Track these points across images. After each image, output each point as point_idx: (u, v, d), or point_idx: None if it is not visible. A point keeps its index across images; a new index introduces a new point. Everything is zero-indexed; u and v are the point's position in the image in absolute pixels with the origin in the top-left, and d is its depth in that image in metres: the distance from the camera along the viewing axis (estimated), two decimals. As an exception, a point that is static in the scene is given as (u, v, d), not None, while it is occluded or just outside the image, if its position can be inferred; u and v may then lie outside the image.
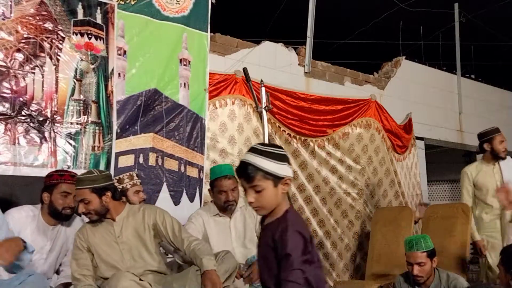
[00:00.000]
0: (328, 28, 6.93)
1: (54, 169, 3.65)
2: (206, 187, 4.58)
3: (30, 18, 3.76)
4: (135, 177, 3.63)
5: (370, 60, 7.05)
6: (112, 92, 4.09)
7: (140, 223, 3.07)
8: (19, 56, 3.69)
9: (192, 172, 4.50)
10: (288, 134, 5.30)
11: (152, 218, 3.10)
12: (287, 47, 5.66)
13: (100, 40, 4.07)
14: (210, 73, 4.72)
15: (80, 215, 3.19)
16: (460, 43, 7.60)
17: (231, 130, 4.87)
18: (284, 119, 5.26)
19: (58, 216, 3.15)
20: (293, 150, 5.33)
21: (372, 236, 5.30)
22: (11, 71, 3.65)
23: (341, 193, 5.66)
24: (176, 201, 4.32)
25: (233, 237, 3.66)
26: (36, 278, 2.68)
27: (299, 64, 5.69)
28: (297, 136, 5.37)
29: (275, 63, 5.45)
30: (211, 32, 4.81)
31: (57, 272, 3.31)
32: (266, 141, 3.03)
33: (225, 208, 3.62)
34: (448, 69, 7.60)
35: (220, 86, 4.83)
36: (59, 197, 3.11)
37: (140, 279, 2.84)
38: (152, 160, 4.22)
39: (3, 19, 3.64)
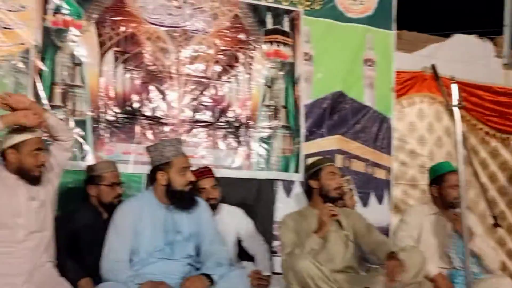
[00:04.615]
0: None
1: (248, 171, 3.96)
2: (394, 189, 4.50)
3: (226, 31, 4.08)
4: (351, 182, 3.76)
5: None
6: (299, 96, 4.24)
7: None
8: (217, 68, 4.04)
9: (380, 174, 4.44)
10: (485, 132, 4.90)
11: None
12: (482, 38, 5.24)
13: (288, 46, 4.26)
14: (396, 72, 4.61)
15: None
16: None
17: (420, 130, 4.69)
18: (481, 115, 4.88)
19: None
20: (491, 149, 4.91)
21: None
22: (211, 81, 4.01)
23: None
24: (364, 202, 4.31)
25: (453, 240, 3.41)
26: (237, 274, 2.76)
27: (496, 56, 5.22)
28: (497, 134, 4.94)
29: (468, 57, 5.07)
30: (397, 29, 4.69)
31: None
32: (459, 141, 2.84)
33: (452, 204, 3.37)
34: None
35: (407, 84, 4.68)
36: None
37: (321, 265, 2.79)
38: (339, 162, 4.26)
39: (204, 34, 4.02)
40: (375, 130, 4.48)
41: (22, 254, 2.56)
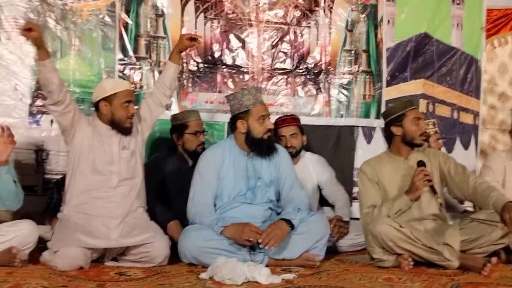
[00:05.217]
0: None
1: (327, 118, 3.97)
2: (482, 134, 4.34)
3: (306, -27, 4.00)
4: (436, 125, 3.68)
5: None
6: (381, 40, 4.11)
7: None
8: (297, 13, 3.99)
9: (466, 118, 4.29)
10: None
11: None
12: None
13: (370, -12, 4.11)
14: (487, 10, 4.35)
15: None
16: None
17: (512, 71, 4.45)
18: None
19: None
20: None
21: None
22: (290, 28, 3.98)
23: None
24: (449, 148, 4.19)
25: None
26: (316, 218, 2.85)
27: None
28: None
29: None
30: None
31: None
32: None
33: None
34: None
35: (499, 23, 4.44)
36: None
37: (401, 226, 2.69)
38: (422, 107, 4.15)
39: (283, -22, 3.96)
40: (463, 72, 4.31)
41: (116, 199, 2.77)
